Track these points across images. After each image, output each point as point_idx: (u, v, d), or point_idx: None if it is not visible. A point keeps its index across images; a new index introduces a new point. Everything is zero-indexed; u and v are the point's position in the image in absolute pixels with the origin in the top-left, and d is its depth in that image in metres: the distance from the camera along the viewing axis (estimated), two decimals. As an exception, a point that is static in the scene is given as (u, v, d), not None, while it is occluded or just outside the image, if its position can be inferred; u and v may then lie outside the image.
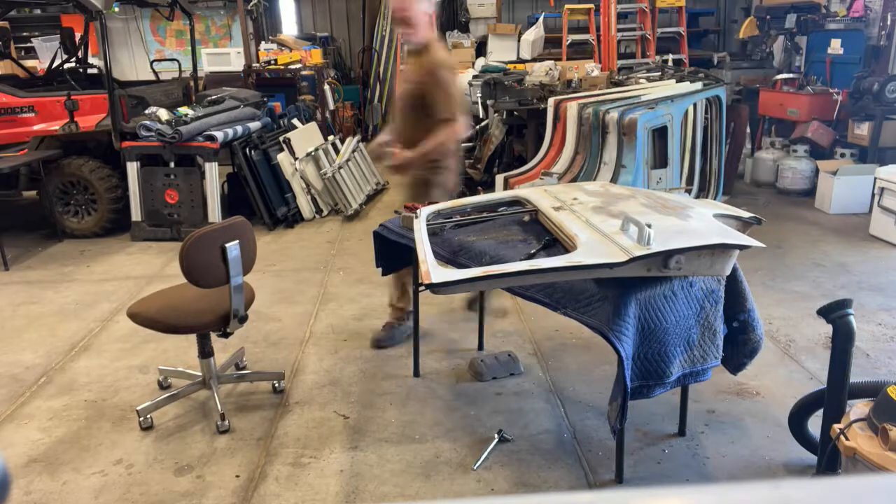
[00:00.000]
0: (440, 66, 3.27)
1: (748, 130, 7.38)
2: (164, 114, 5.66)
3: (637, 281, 2.28)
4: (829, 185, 6.02)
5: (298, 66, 8.55)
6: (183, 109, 5.88)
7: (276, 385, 3.33)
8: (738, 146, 6.74)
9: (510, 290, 2.73)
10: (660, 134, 5.07)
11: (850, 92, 6.57)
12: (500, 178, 5.68)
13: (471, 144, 8.15)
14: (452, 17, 10.46)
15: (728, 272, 2.35)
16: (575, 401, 3.18)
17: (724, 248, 2.26)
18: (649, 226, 2.17)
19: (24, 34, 9.64)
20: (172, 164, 5.73)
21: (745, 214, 2.85)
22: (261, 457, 2.83)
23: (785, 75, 7.63)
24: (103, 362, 3.68)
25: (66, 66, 7.07)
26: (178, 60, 7.61)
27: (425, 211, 2.93)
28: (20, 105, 5.91)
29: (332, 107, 8.90)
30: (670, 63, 7.76)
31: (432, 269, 2.26)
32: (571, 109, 5.27)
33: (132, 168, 5.73)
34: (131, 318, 2.96)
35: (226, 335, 3.02)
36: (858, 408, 2.17)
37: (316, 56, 8.71)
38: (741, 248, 2.29)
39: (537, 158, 5.61)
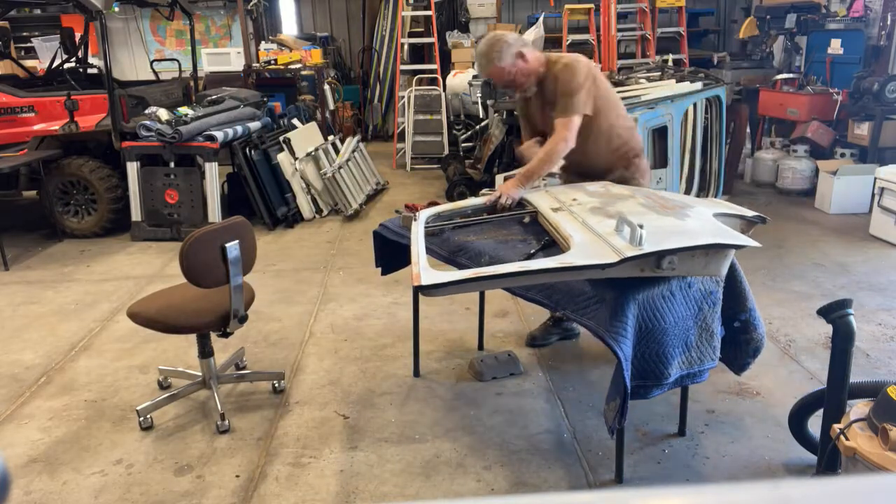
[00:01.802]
0: (557, 73, 3.00)
1: (748, 130, 7.38)
2: (164, 114, 5.66)
3: (635, 281, 2.28)
4: (829, 185, 6.02)
5: (298, 66, 8.54)
6: (183, 109, 5.88)
7: (276, 385, 3.33)
8: (738, 146, 6.73)
9: (510, 291, 2.72)
10: (660, 134, 5.07)
11: (850, 92, 6.57)
12: (500, 178, 5.67)
13: (471, 144, 8.16)
14: (452, 17, 10.45)
15: (724, 273, 2.34)
16: (575, 401, 3.18)
17: (719, 248, 2.24)
18: (641, 226, 2.16)
19: (24, 34, 9.66)
20: (172, 164, 5.73)
21: (749, 213, 2.84)
22: (261, 457, 2.83)
23: (785, 75, 7.63)
24: (103, 362, 3.68)
25: (66, 66, 7.07)
26: (178, 60, 7.61)
27: (424, 213, 2.93)
28: (20, 105, 5.91)
29: (332, 107, 8.90)
30: (670, 63, 7.76)
31: (423, 272, 2.25)
32: (571, 109, 5.26)
33: (132, 168, 5.73)
34: (131, 318, 2.96)
35: (226, 335, 3.02)
36: (858, 408, 2.17)
37: (316, 56, 8.71)
38: (736, 247, 2.28)
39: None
